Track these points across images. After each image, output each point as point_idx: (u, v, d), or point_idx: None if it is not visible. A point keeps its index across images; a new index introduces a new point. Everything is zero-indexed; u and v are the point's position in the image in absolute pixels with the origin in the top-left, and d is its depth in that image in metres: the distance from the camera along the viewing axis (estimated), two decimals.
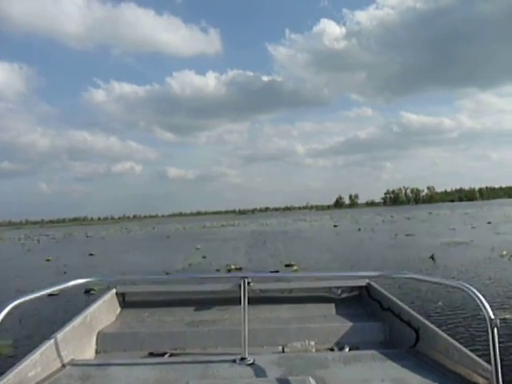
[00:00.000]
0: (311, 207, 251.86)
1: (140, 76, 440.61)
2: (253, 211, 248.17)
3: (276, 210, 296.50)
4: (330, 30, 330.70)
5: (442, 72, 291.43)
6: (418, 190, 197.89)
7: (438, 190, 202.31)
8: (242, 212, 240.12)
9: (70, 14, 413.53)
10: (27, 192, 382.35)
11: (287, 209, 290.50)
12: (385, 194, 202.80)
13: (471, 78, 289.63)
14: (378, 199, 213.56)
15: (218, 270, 10.75)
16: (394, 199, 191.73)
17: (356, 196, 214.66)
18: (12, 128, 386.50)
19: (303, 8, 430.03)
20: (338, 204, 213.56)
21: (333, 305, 3.09)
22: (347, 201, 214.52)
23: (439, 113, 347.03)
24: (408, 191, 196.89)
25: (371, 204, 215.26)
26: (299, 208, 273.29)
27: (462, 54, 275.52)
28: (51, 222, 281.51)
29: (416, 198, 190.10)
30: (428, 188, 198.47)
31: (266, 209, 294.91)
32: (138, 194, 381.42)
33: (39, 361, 1.88)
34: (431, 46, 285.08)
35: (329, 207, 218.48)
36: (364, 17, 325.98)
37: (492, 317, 1.53)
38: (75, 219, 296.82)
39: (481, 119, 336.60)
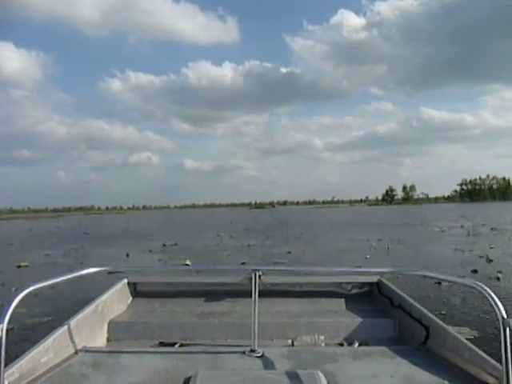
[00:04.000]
0: (352, 202, 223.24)
1: (156, 65, 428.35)
2: (272, 204, 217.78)
3: (297, 203, 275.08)
4: (350, 20, 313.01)
5: (467, 66, 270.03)
6: (508, 181, 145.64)
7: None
8: (258, 206, 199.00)
9: None
10: (42, 180, 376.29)
11: (310, 203, 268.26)
12: (460, 185, 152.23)
13: (497, 74, 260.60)
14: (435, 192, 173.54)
15: None
16: (471, 192, 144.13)
17: (412, 188, 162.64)
18: (29, 116, 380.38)
19: None
20: (389, 197, 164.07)
21: (343, 300, 3.06)
22: (400, 194, 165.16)
23: (461, 109, 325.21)
24: (493, 182, 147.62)
25: (435, 199, 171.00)
26: (323, 202, 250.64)
27: (489, 48, 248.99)
28: (55, 210, 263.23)
29: (506, 192, 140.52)
30: None
31: (285, 202, 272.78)
32: (153, 184, 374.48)
33: (52, 347, 1.90)
34: (456, 39, 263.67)
35: (380, 201, 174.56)
36: (385, 7, 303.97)
37: (505, 316, 1.51)
38: (81, 208, 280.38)
39: (505, 116, 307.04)
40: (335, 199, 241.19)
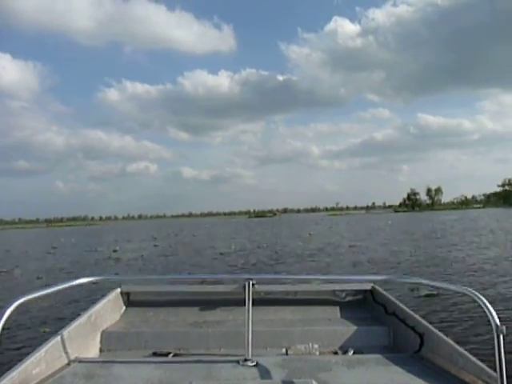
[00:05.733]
0: (372, 207, 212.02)
1: (152, 75, 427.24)
2: (274, 213, 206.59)
3: (298, 211, 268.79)
4: (344, 27, 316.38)
5: (464, 72, 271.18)
6: None
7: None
8: (258, 214, 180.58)
9: (79, 9, 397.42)
10: (40, 191, 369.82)
11: (312, 210, 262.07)
12: (502, 185, 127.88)
13: (494, 79, 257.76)
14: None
15: None
16: None
17: (438, 191, 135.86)
18: (27, 127, 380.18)
19: (314, 6, 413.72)
20: (411, 202, 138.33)
21: (337, 308, 3.02)
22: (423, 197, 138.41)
23: (459, 115, 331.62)
24: None
25: (463, 203, 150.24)
26: (326, 209, 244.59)
27: (486, 53, 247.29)
28: (47, 221, 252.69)
29: None
30: None
31: (285, 210, 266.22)
32: (151, 193, 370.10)
33: (44, 358, 1.87)
34: (453, 44, 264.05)
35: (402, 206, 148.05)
36: (380, 14, 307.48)
37: (498, 323, 1.50)
38: (74, 218, 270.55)
39: (503, 121, 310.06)
40: (339, 206, 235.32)
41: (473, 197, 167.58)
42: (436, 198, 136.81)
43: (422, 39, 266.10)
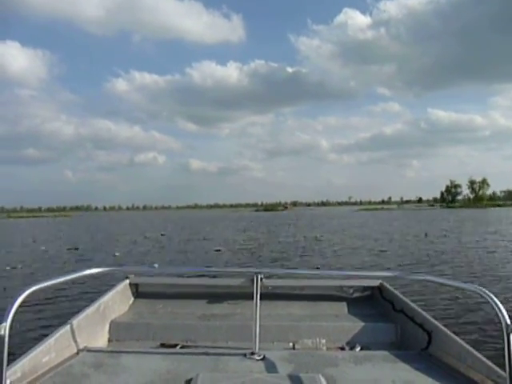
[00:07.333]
0: (388, 202, 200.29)
1: (161, 65, 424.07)
2: (284, 206, 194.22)
3: (308, 205, 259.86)
4: (355, 19, 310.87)
5: (477, 66, 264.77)
6: None
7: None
8: (267, 207, 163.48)
9: None
10: (48, 179, 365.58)
11: (323, 204, 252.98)
12: None
13: (508, 73, 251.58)
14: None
15: None
16: None
17: (484, 183, 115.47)
18: (36, 115, 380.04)
19: None
20: (450, 195, 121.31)
21: (345, 304, 3.03)
22: (465, 191, 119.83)
23: (470, 110, 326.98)
24: None
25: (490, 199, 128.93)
26: (338, 203, 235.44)
27: (500, 47, 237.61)
28: (50, 210, 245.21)
29: None
30: None
31: (295, 203, 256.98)
32: (158, 184, 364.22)
33: (53, 347, 1.90)
34: (466, 38, 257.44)
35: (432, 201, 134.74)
36: (391, 6, 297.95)
37: (508, 322, 1.48)
38: (77, 208, 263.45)
39: None
40: (352, 200, 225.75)
41: (493, 193, 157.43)
42: (481, 192, 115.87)
43: (435, 32, 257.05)
